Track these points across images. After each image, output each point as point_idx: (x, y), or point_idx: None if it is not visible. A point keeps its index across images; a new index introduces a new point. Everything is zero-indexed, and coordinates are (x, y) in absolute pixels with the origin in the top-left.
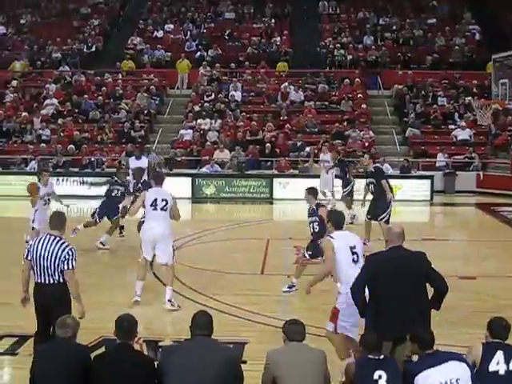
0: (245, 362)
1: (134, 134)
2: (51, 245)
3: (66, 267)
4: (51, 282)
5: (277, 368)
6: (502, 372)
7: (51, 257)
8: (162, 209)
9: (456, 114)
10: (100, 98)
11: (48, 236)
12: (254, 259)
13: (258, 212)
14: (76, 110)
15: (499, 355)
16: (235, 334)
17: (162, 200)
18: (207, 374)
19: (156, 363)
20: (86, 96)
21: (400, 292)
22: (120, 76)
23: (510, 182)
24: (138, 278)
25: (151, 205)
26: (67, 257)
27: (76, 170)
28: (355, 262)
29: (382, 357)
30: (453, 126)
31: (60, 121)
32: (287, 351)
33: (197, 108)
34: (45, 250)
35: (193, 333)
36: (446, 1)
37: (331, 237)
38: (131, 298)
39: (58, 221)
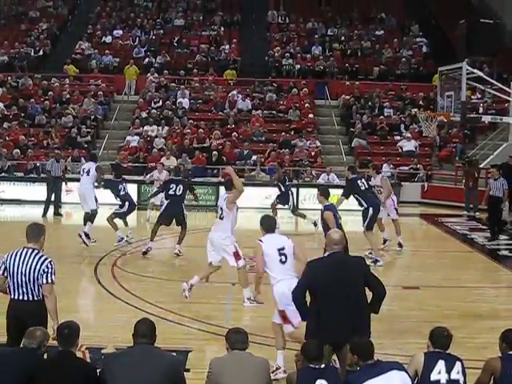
0: (188, 370)
1: (81, 139)
2: (29, 258)
3: (45, 281)
4: (29, 298)
5: (219, 376)
6: (443, 381)
7: (29, 271)
8: None
9: (402, 126)
10: (47, 102)
11: (25, 249)
12: (199, 267)
13: (203, 220)
14: (22, 114)
15: (440, 364)
16: (179, 342)
17: None
18: (149, 381)
19: (98, 370)
20: (32, 100)
21: (341, 297)
22: (67, 81)
23: (454, 193)
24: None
25: None
26: (46, 270)
27: (21, 174)
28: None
29: (322, 366)
30: (398, 137)
31: (5, 125)
32: (230, 359)
33: (144, 114)
34: (22, 265)
35: (135, 341)
36: (393, 13)
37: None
38: (78, 304)
39: (35, 233)
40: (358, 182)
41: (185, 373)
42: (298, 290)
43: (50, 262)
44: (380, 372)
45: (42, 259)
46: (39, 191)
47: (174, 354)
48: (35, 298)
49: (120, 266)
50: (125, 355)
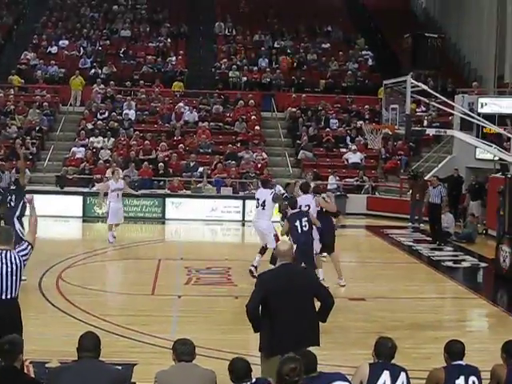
0: None
1: (25, 150)
2: (10, 259)
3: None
4: (9, 296)
5: None
6: None
7: (10, 270)
8: None
9: (348, 138)
10: None
11: (3, 252)
12: (145, 280)
13: (149, 232)
14: None
15: (385, 375)
16: (124, 356)
17: None
18: None
19: None
20: None
21: (292, 308)
22: (12, 91)
23: (399, 204)
24: None
25: None
26: (24, 252)
27: None
28: None
29: (253, 380)
30: (344, 150)
31: None
32: (175, 371)
33: (90, 126)
34: (6, 266)
35: (79, 355)
36: (339, 26)
37: None
38: (22, 317)
39: (7, 235)
40: None
41: None
42: (253, 304)
43: (18, 251)
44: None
45: (16, 254)
46: None
47: (120, 367)
48: (12, 296)
49: (65, 278)
50: (69, 369)
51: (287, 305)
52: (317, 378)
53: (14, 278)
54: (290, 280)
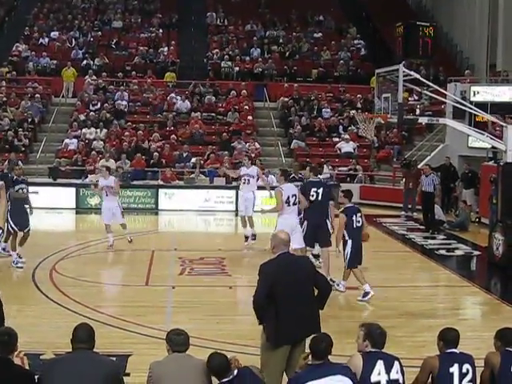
0: (128, 375)
1: (18, 142)
2: None
3: None
4: None
5: (159, 379)
6: (383, 382)
7: None
8: None
9: (340, 127)
10: None
11: None
12: (139, 270)
13: (143, 223)
14: None
15: (380, 365)
16: (119, 347)
17: None
18: None
19: (37, 377)
20: None
21: (294, 296)
22: (4, 83)
23: (392, 193)
24: None
25: None
26: None
27: None
28: None
29: (235, 372)
30: (337, 139)
31: None
32: (169, 362)
33: (82, 117)
34: None
35: (73, 346)
36: (331, 15)
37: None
38: (16, 309)
39: None
40: None
41: (125, 377)
42: (260, 296)
43: None
44: (323, 375)
45: None
46: None
47: (114, 358)
48: None
49: (58, 270)
50: (64, 361)
51: (291, 295)
52: (318, 366)
53: None
54: (292, 270)
